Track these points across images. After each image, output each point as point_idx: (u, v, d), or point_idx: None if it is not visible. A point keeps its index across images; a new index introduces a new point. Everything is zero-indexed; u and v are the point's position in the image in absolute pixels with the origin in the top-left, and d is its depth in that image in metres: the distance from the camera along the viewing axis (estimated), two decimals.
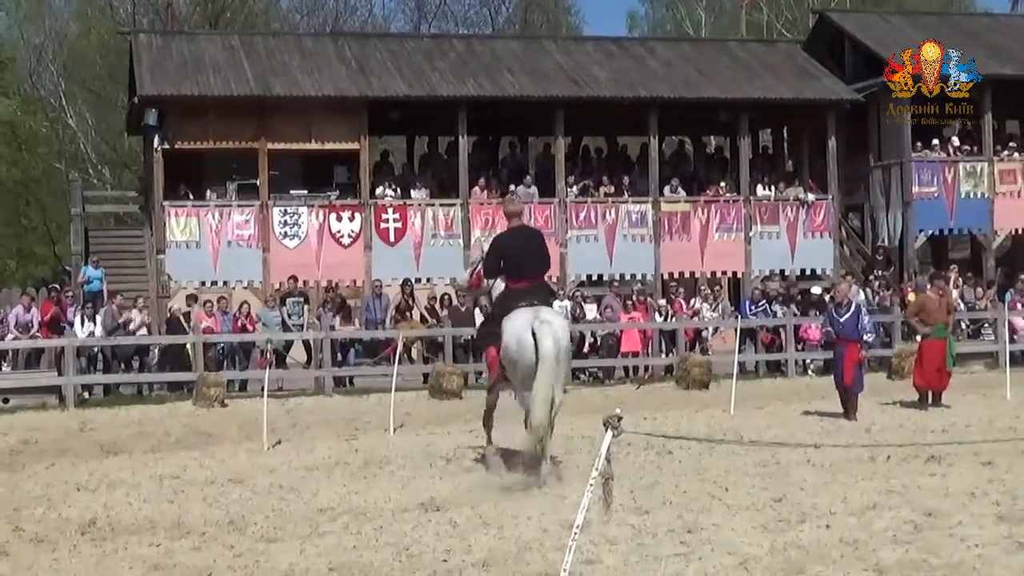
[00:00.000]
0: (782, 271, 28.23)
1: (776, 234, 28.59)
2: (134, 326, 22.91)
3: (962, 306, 25.30)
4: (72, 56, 47.55)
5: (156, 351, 22.88)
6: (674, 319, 24.78)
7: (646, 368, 24.41)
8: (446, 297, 25.03)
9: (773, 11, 50.26)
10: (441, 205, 27.23)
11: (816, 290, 26.37)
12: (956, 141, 30.14)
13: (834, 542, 8.68)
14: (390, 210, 26.92)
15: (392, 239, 26.81)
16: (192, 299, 23.81)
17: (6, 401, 21.04)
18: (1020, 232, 30.57)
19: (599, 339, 24.40)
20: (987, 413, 16.71)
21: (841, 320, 16.82)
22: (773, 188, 29.09)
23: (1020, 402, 18.04)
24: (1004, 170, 29.79)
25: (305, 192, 26.94)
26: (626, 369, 24.40)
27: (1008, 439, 12.85)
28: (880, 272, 27.94)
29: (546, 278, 13.04)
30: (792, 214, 28.69)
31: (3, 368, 22.68)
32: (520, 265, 12.16)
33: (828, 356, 24.55)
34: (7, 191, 43.41)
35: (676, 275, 27.79)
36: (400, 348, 20.02)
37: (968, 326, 25.78)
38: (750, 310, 25.22)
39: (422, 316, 24.56)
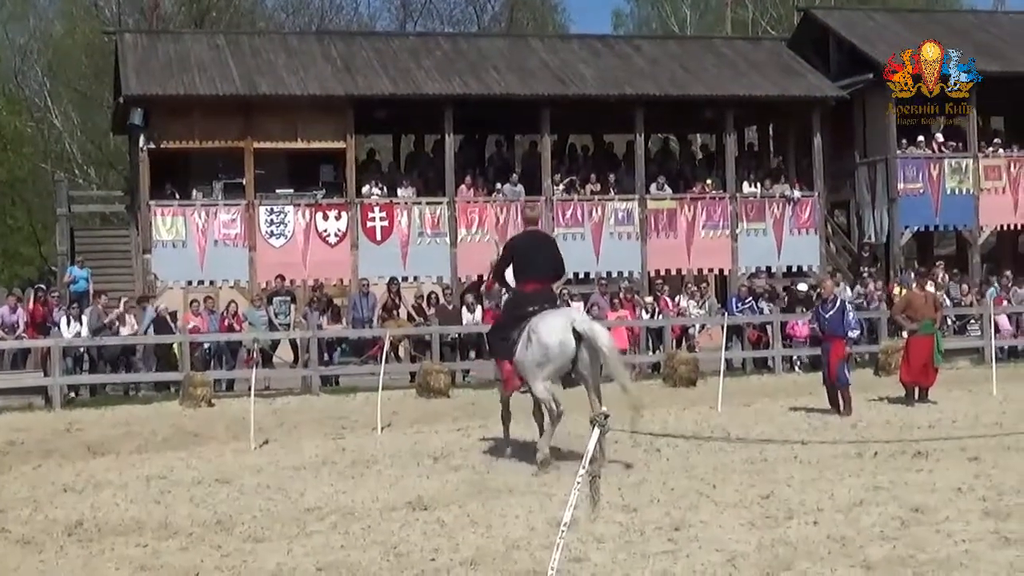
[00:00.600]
0: (768, 268, 28.28)
1: (762, 231, 28.64)
2: (125, 331, 22.84)
3: (948, 302, 25.37)
4: (57, 56, 47.40)
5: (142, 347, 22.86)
6: (661, 316, 24.80)
7: (634, 366, 24.38)
8: (433, 295, 25.02)
9: (758, 8, 50.34)
10: (427, 203, 27.22)
11: (802, 287, 26.40)
12: (941, 137, 30.23)
13: (821, 538, 8.70)
14: (376, 209, 26.90)
15: (379, 238, 26.78)
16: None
17: None
18: (1005, 228, 30.70)
19: None
20: (973, 409, 16.76)
21: (827, 316, 16.92)
22: (759, 185, 29.14)
23: (1006, 398, 18.10)
24: (989, 166, 29.88)
25: (291, 191, 26.89)
26: None
27: (994, 435, 12.89)
28: (867, 268, 28.02)
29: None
30: (778, 211, 28.74)
31: None
32: (528, 268, 12.58)
33: (814, 352, 24.79)
34: None
35: (663, 272, 27.82)
36: (387, 346, 19.99)
37: (954, 322, 25.85)
38: (737, 307, 25.26)
39: (408, 315, 24.54)
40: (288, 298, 24.33)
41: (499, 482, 11.48)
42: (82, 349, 22.36)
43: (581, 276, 27.28)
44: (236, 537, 9.50)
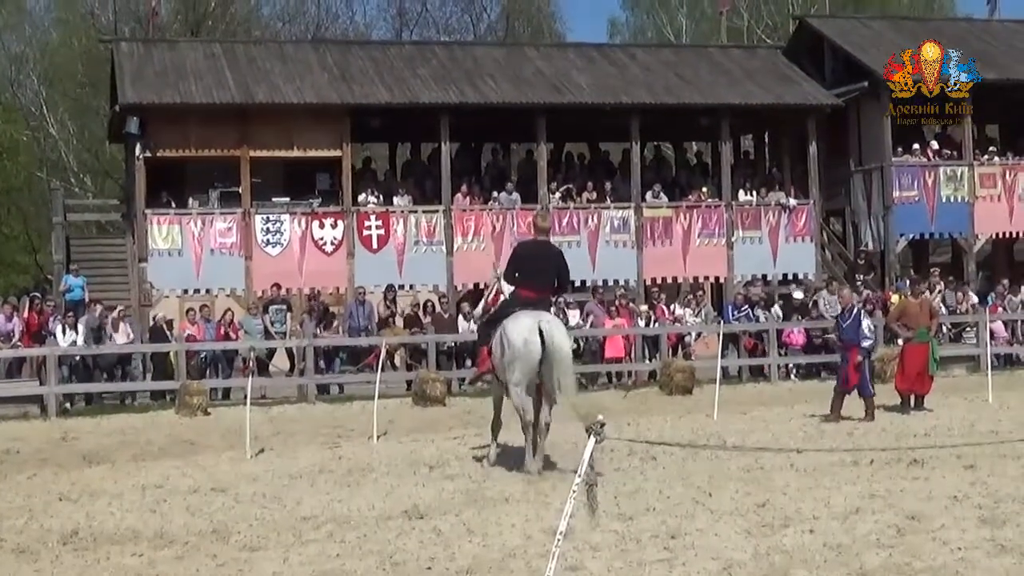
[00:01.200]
0: (764, 276, 28.29)
1: (758, 239, 28.63)
2: (120, 339, 22.83)
3: (943, 310, 25.39)
4: (53, 64, 47.40)
5: (138, 357, 22.84)
6: (657, 325, 24.80)
7: (630, 374, 24.42)
8: (429, 304, 25.02)
9: (753, 17, 50.40)
10: (424, 212, 27.21)
11: (798, 294, 26.42)
12: (936, 145, 30.28)
13: (817, 546, 8.70)
14: (373, 217, 26.89)
15: (375, 246, 26.78)
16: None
17: None
18: (1000, 236, 30.73)
19: (582, 345, 24.39)
20: (969, 416, 16.78)
21: (844, 326, 17.31)
22: (755, 193, 29.16)
23: (1002, 405, 18.13)
24: (984, 174, 29.91)
25: (287, 199, 26.88)
26: (609, 375, 24.42)
27: (990, 442, 12.90)
28: (863, 276, 28.04)
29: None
30: (774, 219, 28.75)
31: None
32: (528, 274, 12.76)
33: (810, 360, 24.90)
34: None
35: (659, 281, 27.84)
36: (383, 355, 19.99)
37: (950, 330, 25.87)
38: (733, 315, 25.27)
39: (404, 322, 24.55)
40: (284, 306, 24.33)
41: (495, 491, 11.48)
42: (78, 358, 22.34)
43: (577, 284, 27.27)
44: (232, 546, 9.49)
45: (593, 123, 29.62)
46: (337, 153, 26.95)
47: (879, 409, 17.42)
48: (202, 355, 22.94)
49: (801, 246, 28.87)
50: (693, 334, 25.04)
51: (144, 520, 10.70)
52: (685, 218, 28.31)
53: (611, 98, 28.54)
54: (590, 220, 27.69)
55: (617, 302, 25.15)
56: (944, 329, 24.95)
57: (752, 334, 24.90)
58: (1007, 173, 30.07)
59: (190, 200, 26.68)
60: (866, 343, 17.16)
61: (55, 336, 22.31)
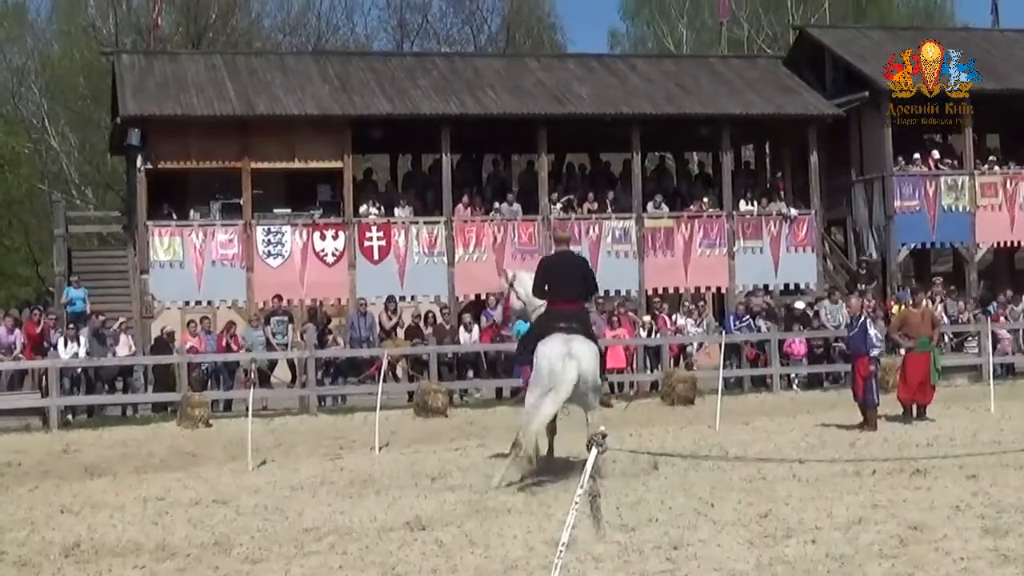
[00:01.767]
0: (766, 286, 28.28)
1: (759, 249, 28.63)
2: (122, 351, 22.83)
3: (945, 319, 25.38)
4: (55, 77, 47.44)
5: (141, 369, 22.85)
6: (658, 335, 24.79)
7: (631, 384, 24.40)
8: (430, 315, 25.02)
9: (754, 27, 50.47)
10: (425, 223, 27.22)
11: (799, 304, 26.41)
12: (936, 154, 30.29)
13: (820, 557, 8.68)
14: (374, 228, 26.90)
15: (376, 257, 26.78)
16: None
17: None
18: (1002, 245, 30.73)
19: None
20: (971, 426, 16.76)
21: (852, 335, 17.44)
22: (756, 203, 29.16)
23: (1004, 415, 18.11)
24: (985, 183, 29.93)
25: (289, 211, 26.90)
26: (611, 386, 24.36)
27: (992, 452, 12.89)
28: (864, 286, 28.03)
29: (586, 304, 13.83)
30: (775, 229, 28.75)
31: None
32: (556, 286, 12.91)
33: (813, 371, 24.91)
34: None
35: (660, 291, 27.83)
36: (385, 366, 19.99)
37: (952, 339, 25.86)
38: (734, 325, 25.26)
39: (406, 333, 24.56)
40: (286, 318, 24.34)
41: (497, 502, 11.46)
42: (79, 370, 22.35)
43: None
44: (234, 558, 9.48)
45: (594, 133, 29.64)
46: (338, 164, 26.98)
47: (881, 419, 17.41)
48: (203, 367, 22.94)
49: (802, 256, 28.86)
50: (695, 344, 25.02)
51: (146, 532, 10.69)
52: (686, 228, 28.31)
53: (612, 108, 28.57)
54: (591, 231, 27.68)
55: (618, 312, 25.14)
56: (946, 339, 24.95)
57: (754, 344, 24.90)
58: (1008, 182, 30.08)
59: (191, 212, 26.70)
60: (875, 351, 17.16)
61: (56, 348, 22.32)
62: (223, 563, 9.30)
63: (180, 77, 28.02)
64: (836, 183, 30.66)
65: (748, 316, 25.49)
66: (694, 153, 36.12)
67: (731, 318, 25.79)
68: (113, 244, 34.26)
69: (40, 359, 22.25)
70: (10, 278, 44.30)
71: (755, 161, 34.37)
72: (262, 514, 11.40)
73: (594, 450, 7.34)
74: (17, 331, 23.05)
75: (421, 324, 24.74)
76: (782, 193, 29.68)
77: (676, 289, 28.39)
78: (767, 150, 33.69)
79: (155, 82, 27.63)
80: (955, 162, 30.21)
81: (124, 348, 23.13)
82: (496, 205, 27.84)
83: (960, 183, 29.79)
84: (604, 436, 7.40)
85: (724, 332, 24.51)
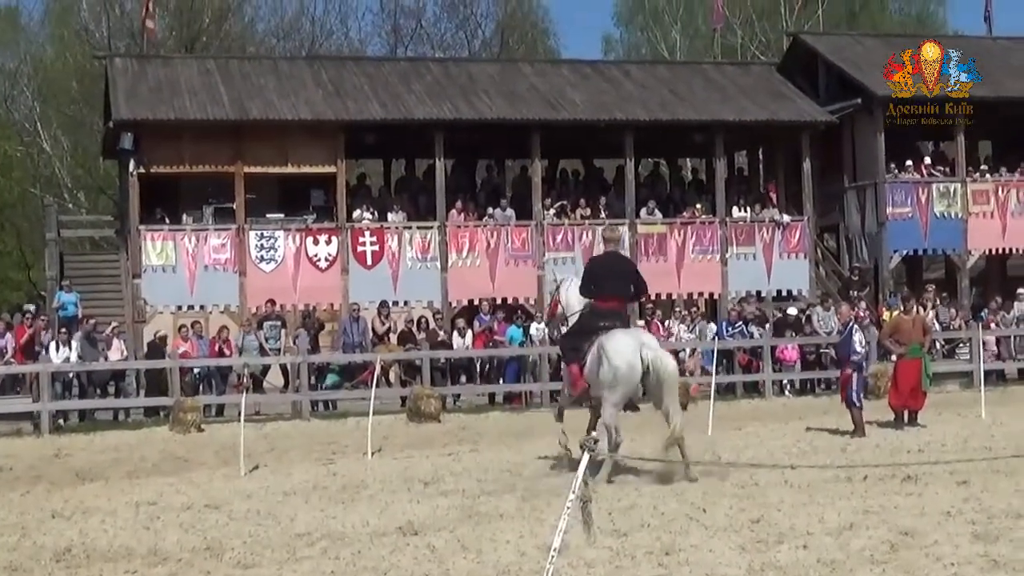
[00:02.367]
0: (758, 292, 28.32)
1: (752, 255, 28.67)
2: (113, 355, 22.79)
3: (937, 326, 25.43)
4: (47, 80, 47.37)
5: (133, 375, 22.80)
6: None
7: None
8: (423, 320, 25.02)
9: (747, 34, 50.55)
10: (418, 228, 27.22)
11: (792, 311, 26.44)
12: (928, 161, 30.35)
13: (811, 562, 8.70)
14: (367, 233, 26.89)
15: (369, 262, 26.77)
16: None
17: None
18: (994, 252, 30.80)
19: None
20: (962, 432, 16.79)
21: (839, 342, 17.69)
22: (749, 209, 29.21)
23: (995, 421, 18.14)
24: (977, 190, 29.99)
25: (282, 216, 26.88)
26: None
27: (983, 458, 12.92)
28: (856, 292, 28.07)
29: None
30: (768, 235, 28.79)
31: None
32: (606, 285, 13.27)
33: (804, 376, 24.96)
34: None
35: (653, 297, 27.81)
36: (377, 371, 19.98)
37: (943, 346, 25.91)
38: (727, 331, 25.28)
39: (399, 338, 24.54)
40: (278, 323, 24.31)
41: (490, 507, 11.47)
42: (71, 374, 22.30)
43: None
44: (226, 563, 9.47)
45: (587, 139, 29.66)
46: (332, 169, 26.97)
47: (872, 425, 17.44)
48: (196, 371, 22.91)
49: (795, 262, 28.91)
50: (687, 350, 25.03)
51: (138, 537, 10.68)
52: (679, 234, 28.35)
53: (605, 114, 28.61)
54: (584, 236, 27.68)
55: None
56: (937, 345, 24.99)
57: (746, 350, 24.91)
58: (1000, 189, 30.15)
59: (184, 216, 26.66)
60: (855, 357, 17.20)
61: (48, 352, 22.28)
62: (215, 568, 9.30)
63: (173, 81, 28.01)
64: (829, 190, 30.71)
65: (741, 322, 25.51)
66: (687, 159, 36.17)
67: (724, 324, 25.82)
68: (105, 248, 34.25)
69: (32, 363, 22.20)
70: (2, 282, 44.22)
71: (748, 167, 34.42)
72: (254, 519, 11.40)
73: (586, 455, 7.34)
74: (8, 335, 23.00)
75: (414, 329, 24.73)
76: (775, 199, 29.76)
77: (669, 295, 28.40)
78: (760, 156, 33.74)
79: (148, 86, 27.62)
80: (947, 169, 30.28)
81: (116, 352, 23.08)
82: (489, 210, 27.85)
83: (952, 190, 29.85)
84: (596, 441, 7.42)
85: (717, 338, 24.54)
